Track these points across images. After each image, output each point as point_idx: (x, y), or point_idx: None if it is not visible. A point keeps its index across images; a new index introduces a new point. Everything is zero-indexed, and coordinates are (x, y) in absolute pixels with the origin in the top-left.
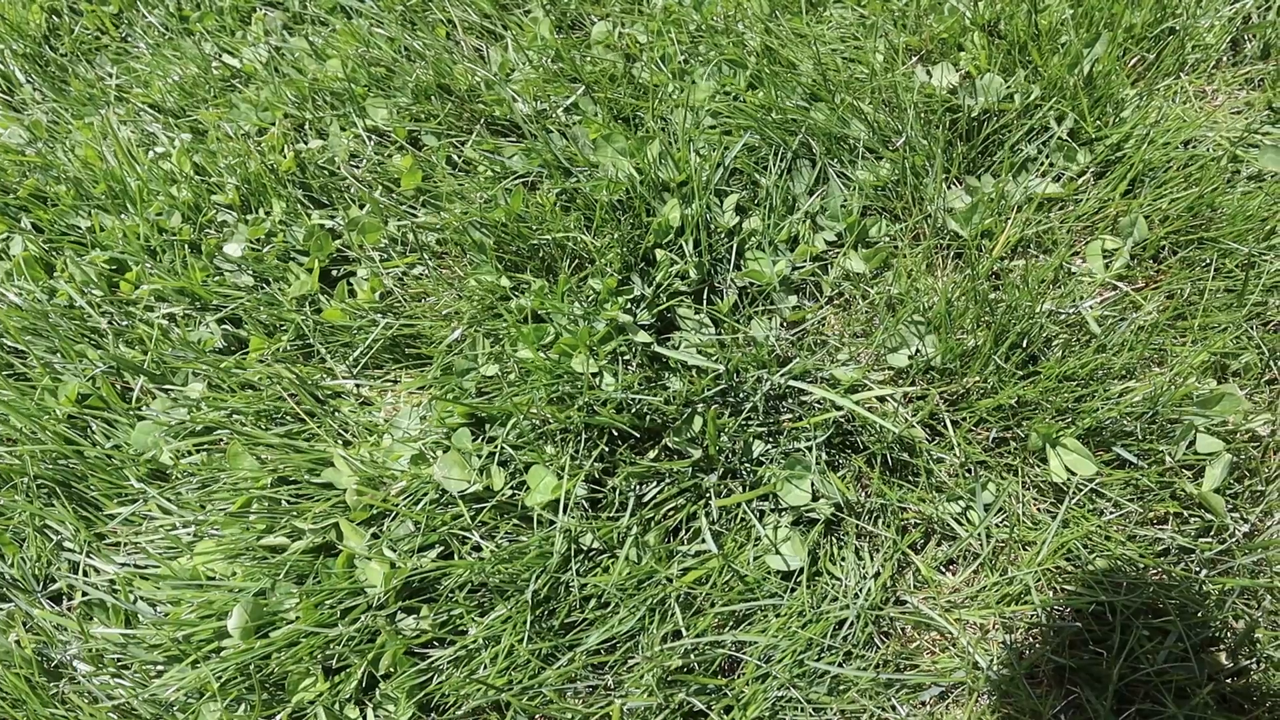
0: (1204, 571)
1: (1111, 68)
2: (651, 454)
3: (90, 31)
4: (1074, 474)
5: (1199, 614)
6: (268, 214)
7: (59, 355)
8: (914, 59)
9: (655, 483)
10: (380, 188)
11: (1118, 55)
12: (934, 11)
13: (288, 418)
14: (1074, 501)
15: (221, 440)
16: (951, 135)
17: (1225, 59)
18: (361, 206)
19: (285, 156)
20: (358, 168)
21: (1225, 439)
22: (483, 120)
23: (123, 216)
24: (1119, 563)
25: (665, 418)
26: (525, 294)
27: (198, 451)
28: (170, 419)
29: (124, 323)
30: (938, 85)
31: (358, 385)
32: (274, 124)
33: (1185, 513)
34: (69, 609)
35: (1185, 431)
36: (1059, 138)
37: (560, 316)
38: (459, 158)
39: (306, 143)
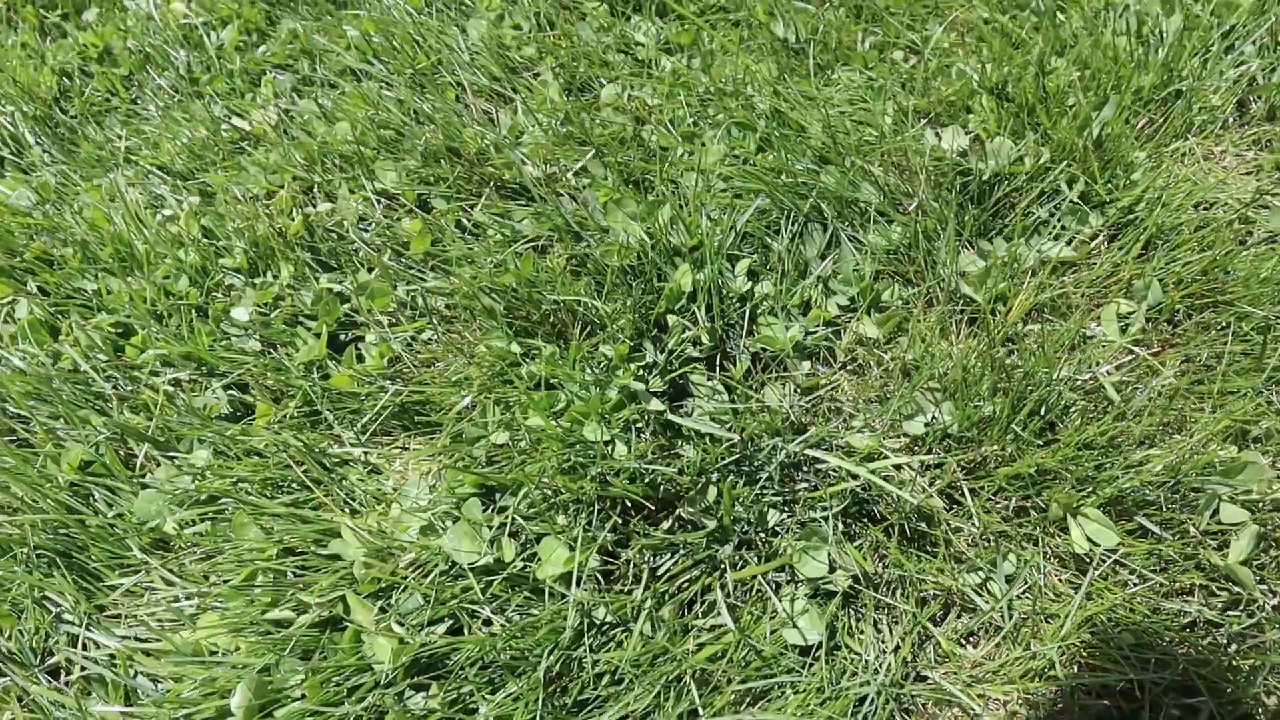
0: (1234, 646)
1: (1120, 130)
2: (665, 524)
3: (100, 93)
4: (1096, 544)
5: (1230, 691)
6: (275, 277)
7: (62, 420)
8: (923, 121)
9: (670, 554)
10: (389, 251)
11: (1126, 118)
12: (941, 74)
13: (294, 485)
14: (1097, 574)
15: (227, 509)
16: (963, 198)
17: (1232, 120)
18: (370, 270)
19: (294, 220)
20: (367, 231)
21: (1251, 509)
22: (492, 183)
23: (129, 280)
24: (1146, 637)
25: (679, 488)
26: (536, 360)
27: (202, 520)
28: (174, 487)
29: (129, 388)
30: (948, 148)
31: (365, 453)
32: (283, 187)
33: (1212, 584)
34: (67, 684)
35: (1209, 501)
36: (1070, 201)
37: (572, 384)
38: (469, 221)
39: (315, 206)
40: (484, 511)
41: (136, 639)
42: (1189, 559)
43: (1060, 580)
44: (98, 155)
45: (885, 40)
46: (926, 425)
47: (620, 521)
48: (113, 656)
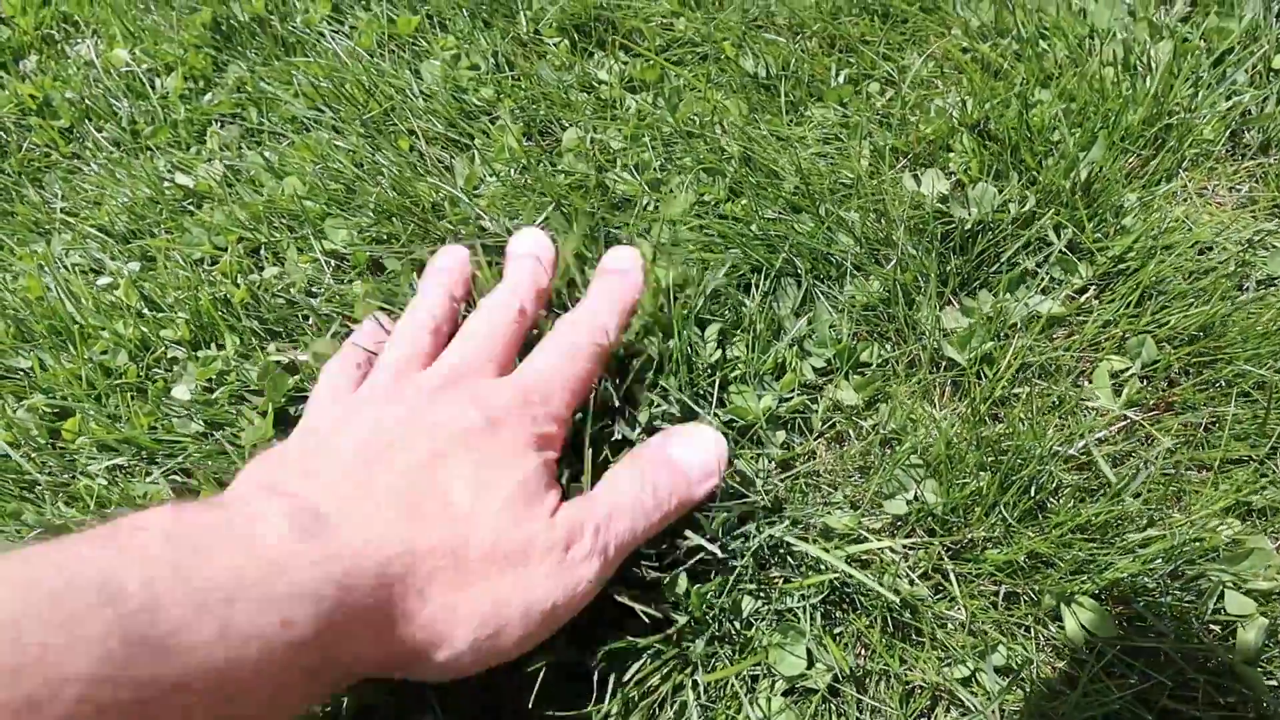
0: None
1: (1111, 171)
2: (633, 621)
3: (39, 148)
4: (1093, 635)
5: None
6: (220, 349)
7: None
8: (901, 163)
9: (637, 658)
10: (339, 319)
11: (1115, 157)
12: (920, 109)
13: None
14: (1096, 670)
15: None
16: (944, 248)
17: (1224, 152)
18: (322, 336)
19: (239, 287)
20: (316, 297)
21: (1258, 599)
22: (447, 240)
23: (64, 357)
24: None
25: (644, 581)
26: None
27: None
28: None
29: (65, 476)
30: (927, 194)
31: None
32: (227, 249)
33: (1219, 681)
34: None
35: (1212, 590)
36: (1059, 251)
37: None
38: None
39: (262, 270)
40: None
41: None
42: (1193, 650)
43: (1054, 671)
44: (34, 218)
45: (860, 72)
46: (909, 504)
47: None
48: None
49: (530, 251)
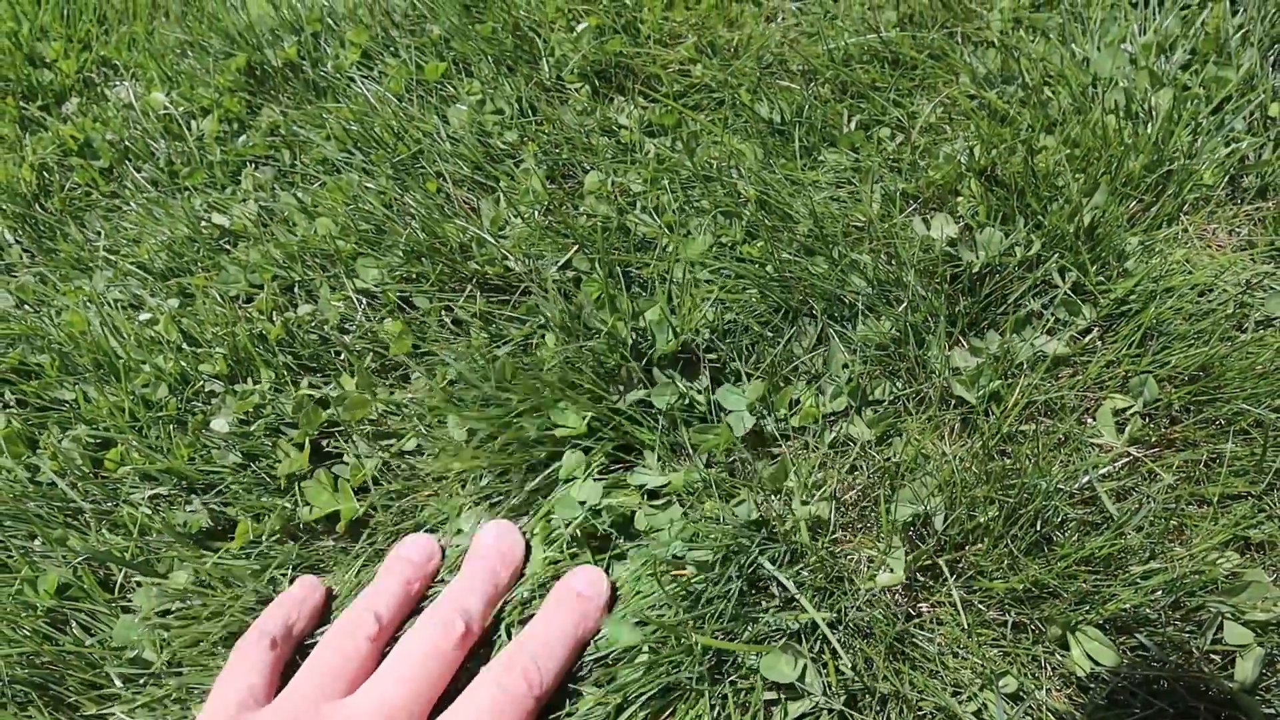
0: None
1: (1113, 216)
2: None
3: (80, 187)
4: (1098, 664)
5: None
6: (256, 383)
7: (38, 540)
8: (911, 207)
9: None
10: (371, 354)
11: (1118, 201)
12: (929, 154)
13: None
14: (1100, 696)
15: (209, 636)
16: (953, 290)
17: (1224, 196)
18: (353, 374)
19: (274, 324)
20: (348, 334)
21: (1256, 630)
22: (474, 279)
23: (108, 390)
24: None
25: None
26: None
27: (182, 646)
28: (153, 615)
29: (108, 504)
30: (937, 237)
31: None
32: (262, 287)
33: (1220, 710)
34: None
35: (1211, 621)
36: (1064, 294)
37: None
38: (449, 318)
39: (296, 307)
40: None
41: None
42: (1194, 679)
43: (1061, 698)
44: (77, 255)
45: (871, 118)
46: (918, 531)
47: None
48: None
49: (492, 551)
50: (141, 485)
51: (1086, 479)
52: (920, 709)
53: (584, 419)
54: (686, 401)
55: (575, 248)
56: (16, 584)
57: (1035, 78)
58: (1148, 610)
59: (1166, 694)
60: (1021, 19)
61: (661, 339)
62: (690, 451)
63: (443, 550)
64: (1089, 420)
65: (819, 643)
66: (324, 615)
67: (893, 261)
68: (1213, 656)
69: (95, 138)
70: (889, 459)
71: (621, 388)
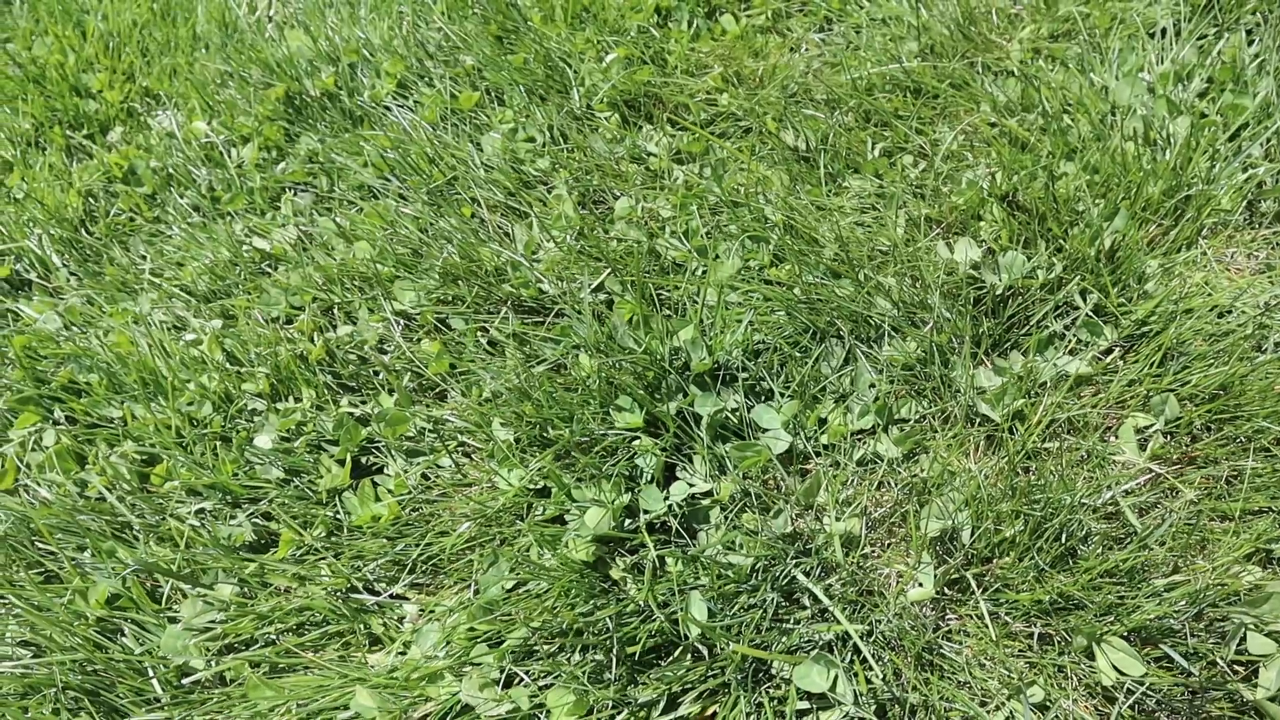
0: None
1: (1133, 240)
2: (682, 655)
3: (124, 213)
4: (1124, 674)
5: None
6: (297, 401)
7: (89, 553)
8: (935, 231)
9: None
10: (409, 374)
11: (1137, 226)
12: (951, 181)
13: (310, 627)
14: (1126, 705)
15: (254, 647)
16: (977, 312)
17: (1242, 221)
18: (391, 393)
19: (315, 344)
20: (386, 354)
21: (1279, 640)
22: (509, 301)
23: (154, 407)
24: None
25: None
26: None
27: (230, 659)
28: (198, 624)
29: (155, 518)
30: (960, 261)
31: (377, 602)
32: (303, 309)
33: (1243, 718)
34: None
35: (1235, 632)
36: (1086, 315)
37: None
38: (485, 339)
39: (335, 328)
40: (499, 658)
41: None
42: (1217, 688)
43: (1088, 709)
44: (122, 278)
45: (894, 145)
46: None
47: (636, 662)
48: None
49: None
50: (188, 500)
51: (1110, 494)
52: (949, 718)
53: (642, 412)
54: (723, 416)
55: (608, 270)
56: (69, 594)
57: (1055, 106)
58: (1172, 621)
59: (1191, 702)
60: (1041, 49)
61: (696, 357)
62: (731, 466)
63: None
64: (1111, 438)
65: (849, 654)
66: None
67: (917, 284)
68: (1236, 667)
69: (139, 165)
70: (916, 475)
71: (664, 396)
